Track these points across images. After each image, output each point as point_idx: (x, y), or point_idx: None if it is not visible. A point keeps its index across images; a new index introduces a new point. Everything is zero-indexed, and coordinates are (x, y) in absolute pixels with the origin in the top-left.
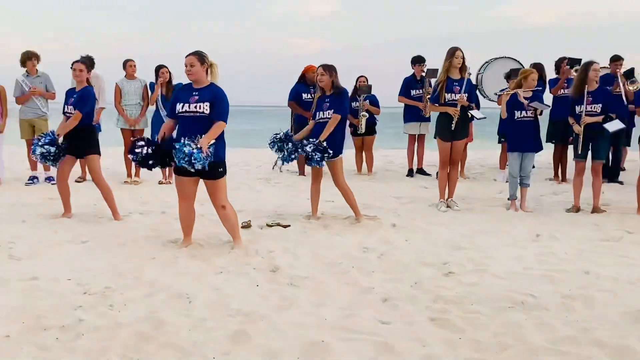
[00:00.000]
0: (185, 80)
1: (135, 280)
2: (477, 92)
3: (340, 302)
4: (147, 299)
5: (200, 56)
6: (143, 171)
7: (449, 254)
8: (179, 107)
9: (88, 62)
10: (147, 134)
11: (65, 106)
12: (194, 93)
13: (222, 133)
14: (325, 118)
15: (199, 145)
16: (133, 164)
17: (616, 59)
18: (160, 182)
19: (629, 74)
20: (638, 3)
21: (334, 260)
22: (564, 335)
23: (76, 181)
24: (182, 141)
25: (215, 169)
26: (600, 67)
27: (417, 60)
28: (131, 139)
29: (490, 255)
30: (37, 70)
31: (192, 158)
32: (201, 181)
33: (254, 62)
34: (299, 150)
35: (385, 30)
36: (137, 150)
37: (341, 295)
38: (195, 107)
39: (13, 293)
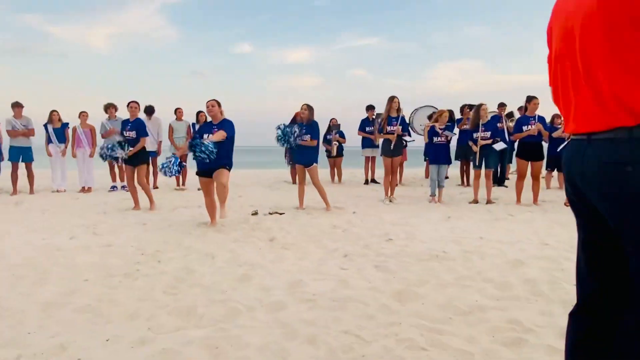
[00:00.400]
0: None
1: (176, 246)
2: (409, 128)
3: (315, 257)
4: (183, 257)
5: (217, 102)
6: (187, 181)
7: (390, 229)
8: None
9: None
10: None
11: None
12: (214, 127)
13: (232, 146)
14: (303, 139)
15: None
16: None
17: (501, 105)
18: (175, 189)
19: (509, 115)
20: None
21: (313, 233)
22: (465, 275)
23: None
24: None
25: (224, 165)
26: (490, 112)
27: (370, 107)
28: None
29: (417, 229)
30: (115, 115)
31: (203, 147)
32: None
33: (265, 118)
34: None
35: (349, 96)
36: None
37: (316, 254)
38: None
39: (93, 254)
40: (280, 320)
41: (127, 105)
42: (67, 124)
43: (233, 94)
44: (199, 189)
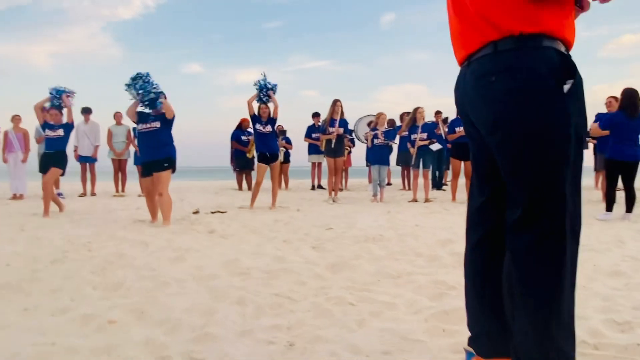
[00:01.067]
0: None
1: (109, 237)
2: (354, 136)
3: (253, 243)
4: (116, 245)
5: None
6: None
7: (331, 221)
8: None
9: None
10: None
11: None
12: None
13: (172, 141)
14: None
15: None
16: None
17: (437, 113)
18: (114, 195)
19: (445, 120)
20: None
21: (255, 226)
22: (397, 251)
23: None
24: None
25: (166, 161)
26: (428, 121)
27: (315, 114)
28: None
29: (357, 220)
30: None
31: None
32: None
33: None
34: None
35: (301, 116)
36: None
37: (254, 240)
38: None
39: (17, 244)
40: (210, 287)
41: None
42: None
43: (182, 114)
44: (139, 195)
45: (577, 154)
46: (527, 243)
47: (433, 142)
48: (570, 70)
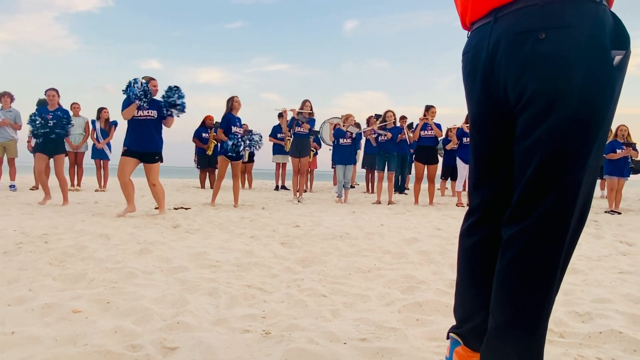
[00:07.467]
0: None
1: (67, 230)
2: (319, 138)
3: (220, 238)
4: (75, 238)
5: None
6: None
7: (297, 219)
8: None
9: None
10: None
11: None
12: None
13: (161, 133)
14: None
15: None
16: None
17: (402, 118)
18: (69, 189)
19: (410, 126)
20: None
21: (220, 222)
22: (365, 248)
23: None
24: None
25: (154, 157)
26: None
27: (281, 115)
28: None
29: (323, 219)
30: (10, 106)
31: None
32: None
33: None
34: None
35: (262, 118)
36: None
37: (221, 236)
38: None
39: None
40: (180, 279)
41: (45, 93)
42: None
43: None
44: (96, 190)
45: (603, 140)
46: (529, 232)
47: (387, 135)
48: (623, 39)
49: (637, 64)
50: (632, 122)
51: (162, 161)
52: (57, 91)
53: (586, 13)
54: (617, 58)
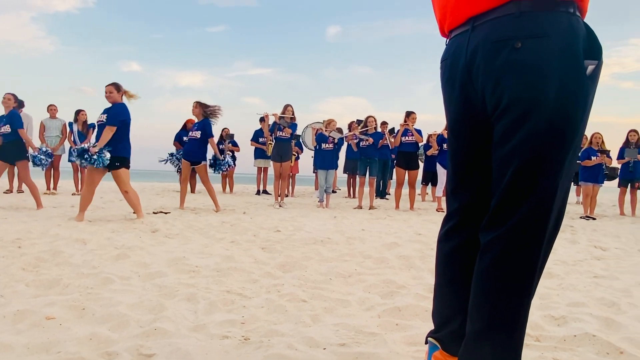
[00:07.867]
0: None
1: (41, 234)
2: (301, 142)
3: (200, 243)
4: (50, 242)
5: (116, 85)
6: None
7: (278, 223)
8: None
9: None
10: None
11: None
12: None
13: (123, 139)
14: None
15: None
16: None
17: (383, 123)
18: (44, 193)
19: (391, 131)
20: None
21: (200, 227)
22: (346, 253)
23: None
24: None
25: (114, 163)
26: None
27: (263, 119)
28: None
29: (304, 224)
30: None
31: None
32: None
33: None
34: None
35: (244, 122)
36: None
37: (201, 241)
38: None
39: None
40: (157, 285)
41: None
42: None
43: None
44: (73, 194)
45: (577, 147)
46: (506, 237)
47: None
48: (596, 49)
49: (610, 74)
50: (606, 130)
51: (126, 167)
52: (13, 95)
53: (561, 23)
54: (590, 67)
